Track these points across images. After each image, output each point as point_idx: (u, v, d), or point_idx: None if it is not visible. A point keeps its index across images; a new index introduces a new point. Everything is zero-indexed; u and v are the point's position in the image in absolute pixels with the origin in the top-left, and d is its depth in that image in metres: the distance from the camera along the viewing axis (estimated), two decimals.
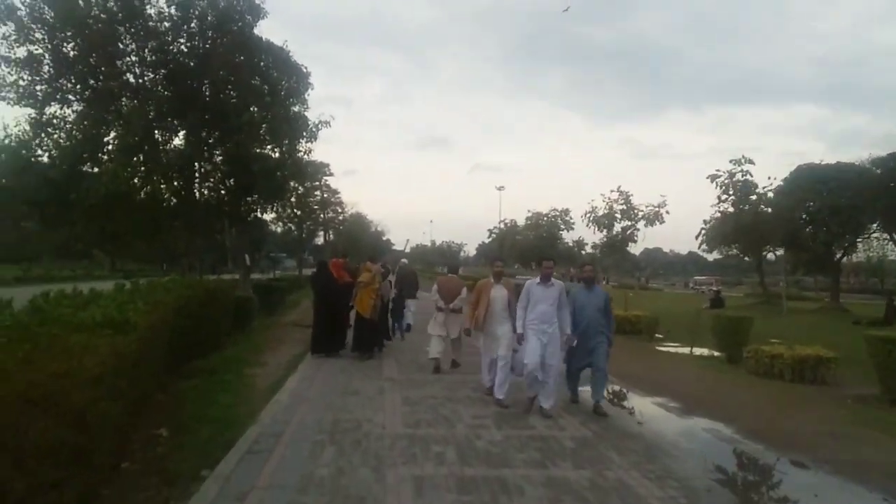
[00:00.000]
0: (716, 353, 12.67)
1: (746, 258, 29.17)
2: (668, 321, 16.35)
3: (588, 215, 17.94)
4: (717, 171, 15.06)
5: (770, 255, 28.35)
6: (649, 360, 11.92)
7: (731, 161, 15.08)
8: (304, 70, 18.12)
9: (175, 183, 16.93)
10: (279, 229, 51.35)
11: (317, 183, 45.33)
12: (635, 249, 31.98)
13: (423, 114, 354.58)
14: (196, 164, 17.31)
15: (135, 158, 15.33)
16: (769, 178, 18.24)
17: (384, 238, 79.07)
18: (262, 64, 17.35)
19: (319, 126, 18.67)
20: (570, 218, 25.65)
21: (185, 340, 9.13)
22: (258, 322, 16.32)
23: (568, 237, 27.53)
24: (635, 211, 17.30)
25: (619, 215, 17.57)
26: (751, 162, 14.91)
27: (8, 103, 14.60)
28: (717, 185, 15.39)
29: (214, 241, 29.83)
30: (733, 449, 5.97)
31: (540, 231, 26.17)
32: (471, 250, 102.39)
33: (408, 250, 32.35)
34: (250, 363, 9.62)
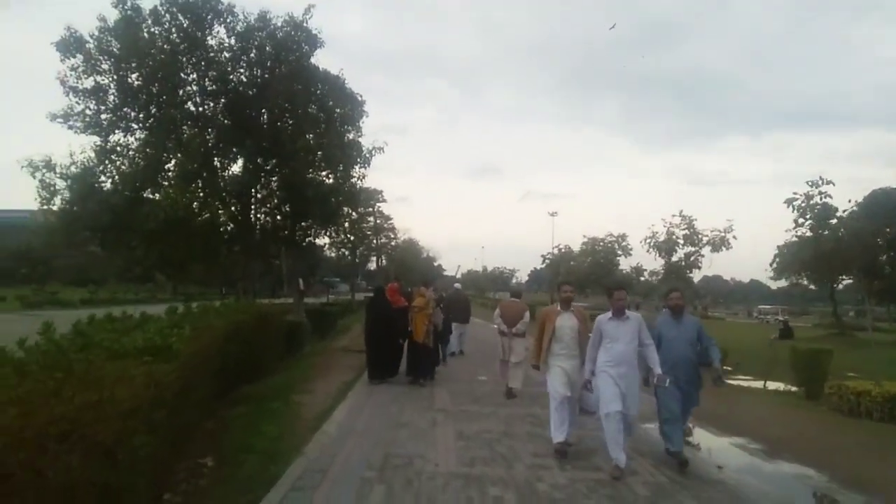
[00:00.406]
0: (792, 388, 11.71)
1: (812, 286, 27.41)
2: (736, 353, 15.32)
3: (648, 241, 17.21)
4: (795, 193, 13.99)
5: (838, 285, 26.66)
6: (721, 394, 11.07)
7: (807, 182, 13.98)
8: (359, 98, 18.25)
9: (232, 208, 17.18)
10: (333, 254, 52.13)
11: (370, 209, 45.89)
12: (696, 276, 30.94)
13: (476, 142, 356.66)
14: (253, 189, 17.56)
15: (193, 185, 15.60)
16: (849, 201, 16.78)
17: (436, 263, 79.33)
18: (318, 92, 17.55)
19: (373, 152, 18.71)
20: (628, 244, 24.82)
21: (234, 366, 8.98)
22: (310, 347, 16.23)
23: (625, 263, 26.65)
24: (699, 236, 16.44)
25: (681, 240, 16.74)
26: (830, 183, 13.76)
27: (75, 132, 15.13)
28: (793, 209, 14.26)
29: (271, 266, 30.41)
30: (832, 502, 5.25)
31: (596, 257, 25.38)
32: (522, 276, 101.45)
33: (459, 276, 32.22)
34: (299, 390, 9.37)
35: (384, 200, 46.52)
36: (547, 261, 32.41)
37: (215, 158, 16.82)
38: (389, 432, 6.64)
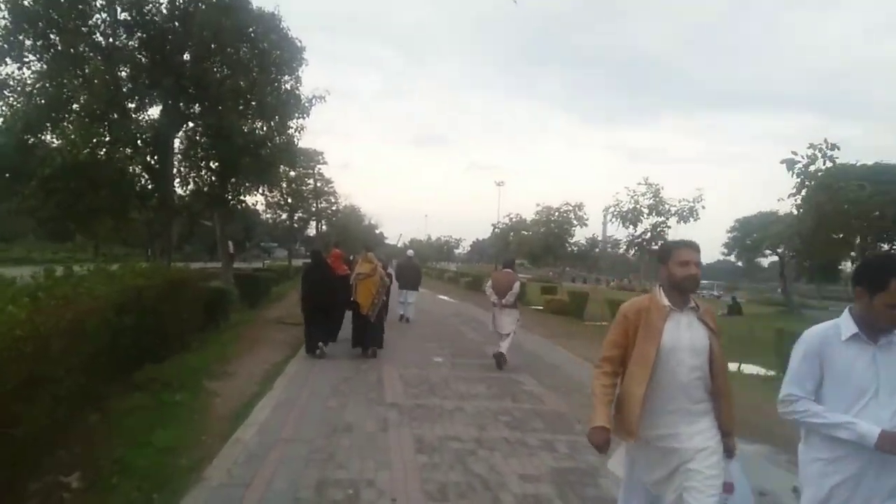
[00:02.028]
0: (771, 373, 10.77)
1: (740, 263, 26.95)
2: None
3: (610, 210, 16.03)
4: (794, 153, 12.79)
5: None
6: None
7: (809, 146, 12.85)
8: (299, 43, 16.08)
9: (148, 158, 14.84)
10: (269, 217, 49.26)
11: (310, 171, 43.31)
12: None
13: (421, 111, 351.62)
14: (172, 137, 15.23)
15: (99, 128, 13.19)
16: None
17: (378, 231, 77.13)
18: (250, 32, 15.22)
19: (313, 101, 16.66)
20: (585, 213, 23.72)
21: (132, 342, 7.16)
22: (238, 317, 14.32)
23: (580, 234, 25.57)
24: (666, 206, 15.39)
25: (646, 210, 15.65)
26: (835, 147, 12.62)
27: None
28: (793, 173, 13.17)
29: (199, 227, 27.72)
30: None
31: (551, 227, 24.18)
32: (466, 246, 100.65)
33: (401, 244, 30.86)
34: (216, 373, 7.65)
35: (325, 162, 44.00)
36: (497, 230, 31.08)
37: (127, 100, 14.40)
38: (327, 441, 5.02)
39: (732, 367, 11.31)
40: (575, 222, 23.93)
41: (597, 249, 27.94)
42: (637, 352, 2.69)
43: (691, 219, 15.22)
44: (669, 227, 15.44)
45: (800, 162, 12.67)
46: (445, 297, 25.70)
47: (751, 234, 28.20)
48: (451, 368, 8.68)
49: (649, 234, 15.64)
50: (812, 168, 12.92)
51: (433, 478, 4.27)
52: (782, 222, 19.41)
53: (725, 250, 31.81)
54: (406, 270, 15.00)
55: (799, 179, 12.94)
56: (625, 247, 16.50)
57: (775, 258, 29.01)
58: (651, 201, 15.63)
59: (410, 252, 17.35)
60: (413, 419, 5.84)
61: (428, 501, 3.86)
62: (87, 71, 13.25)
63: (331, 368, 8.23)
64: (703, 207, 15.05)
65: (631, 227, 15.88)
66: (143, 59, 14.40)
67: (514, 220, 29.86)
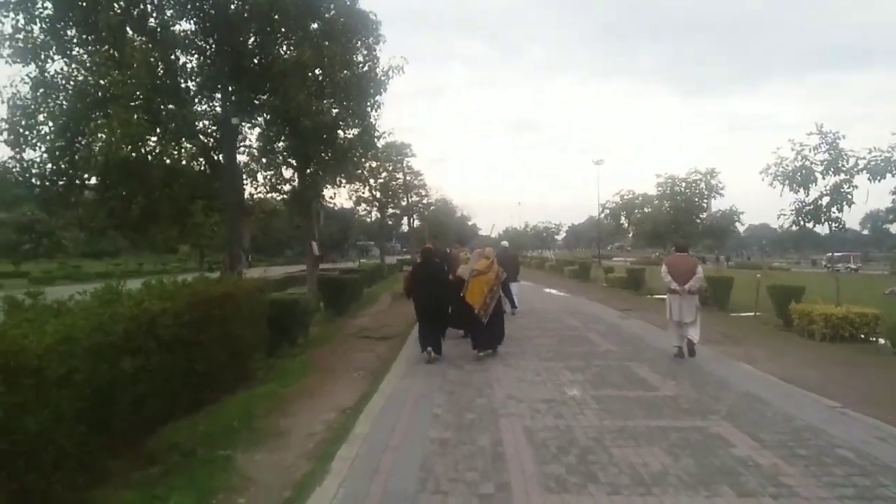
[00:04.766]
0: None
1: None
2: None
3: (771, 170, 12.39)
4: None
5: None
6: None
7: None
8: (373, 17, 13.74)
9: (213, 154, 12.99)
10: (362, 215, 48.12)
11: (398, 164, 41.58)
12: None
13: (511, 99, 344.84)
14: (237, 127, 13.27)
15: (145, 120, 11.35)
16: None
17: (470, 223, 74.74)
18: (321, 9, 12.98)
19: (390, 73, 14.26)
20: (719, 181, 19.76)
21: (142, 393, 5.01)
22: (318, 330, 12.18)
23: (715, 205, 21.48)
24: (849, 160, 11.59)
25: (819, 167, 11.92)
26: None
27: (5, 61, 11.06)
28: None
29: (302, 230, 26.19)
30: None
31: (677, 200, 20.44)
32: (562, 233, 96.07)
33: (495, 235, 28.40)
34: (261, 433, 5.32)
35: (413, 155, 42.10)
36: (606, 210, 27.49)
37: (181, 87, 12.58)
38: None
39: None
40: (707, 192, 20.09)
41: (738, 222, 23.67)
42: None
43: (889, 174, 11.34)
44: (856, 188, 11.62)
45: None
46: (553, 291, 22.62)
47: None
48: (598, 411, 5.80)
49: (826, 198, 11.91)
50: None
51: None
52: None
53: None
54: (503, 262, 12.58)
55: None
56: (791, 217, 12.72)
57: None
58: (827, 156, 11.86)
59: (505, 243, 16.40)
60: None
61: None
62: (127, 55, 11.48)
63: (424, 421, 5.61)
64: None
65: (801, 190, 12.17)
66: (198, 41, 12.55)
67: (625, 197, 26.14)
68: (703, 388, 6.77)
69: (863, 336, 10.51)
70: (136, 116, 10.71)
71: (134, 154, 11.40)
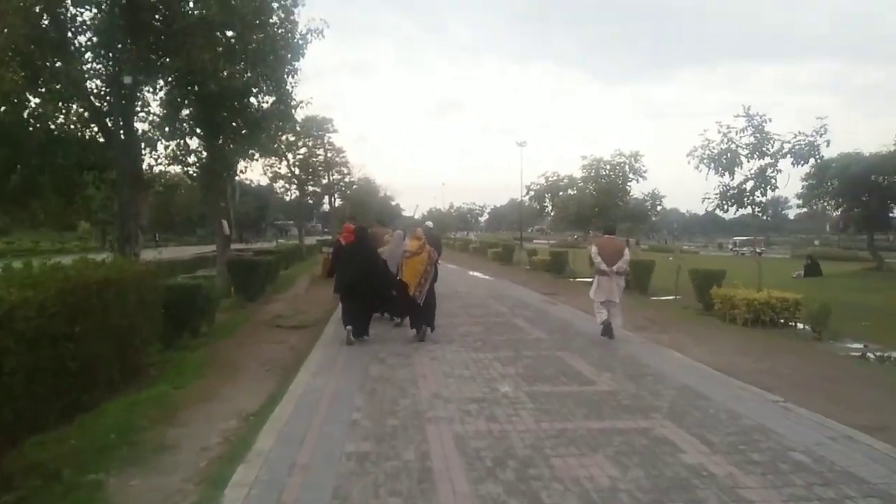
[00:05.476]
0: None
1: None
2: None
3: (698, 152, 12.34)
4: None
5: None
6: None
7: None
8: None
9: (107, 120, 11.48)
10: (280, 193, 46.11)
11: (319, 141, 39.91)
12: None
13: (435, 79, 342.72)
14: (134, 90, 11.78)
15: (21, 75, 9.79)
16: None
17: (394, 203, 73.62)
18: None
19: (308, 37, 13.17)
20: (643, 165, 19.83)
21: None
22: (226, 317, 11.13)
23: (637, 189, 21.54)
24: (771, 143, 11.68)
25: (744, 151, 11.96)
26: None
27: None
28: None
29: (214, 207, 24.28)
30: None
31: (601, 183, 20.39)
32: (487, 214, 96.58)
33: (418, 215, 27.71)
34: (145, 446, 4.46)
35: (335, 130, 40.46)
36: (531, 192, 27.31)
37: (72, 38, 11.03)
38: None
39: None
40: (631, 175, 20.17)
41: (659, 206, 24.04)
42: None
43: (812, 158, 11.51)
44: (780, 172, 11.73)
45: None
46: (478, 274, 22.27)
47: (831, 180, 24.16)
48: (534, 412, 5.26)
49: (751, 182, 11.98)
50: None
51: None
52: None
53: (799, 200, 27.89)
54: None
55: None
56: (715, 200, 12.76)
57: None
58: (752, 139, 11.91)
59: (429, 223, 15.42)
60: None
61: None
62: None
63: (339, 430, 4.89)
64: (828, 144, 11.29)
65: (726, 174, 12.20)
66: None
67: (550, 179, 26.00)
68: (639, 381, 6.40)
69: (782, 321, 10.66)
70: (10, 72, 9.15)
71: (9, 116, 9.86)
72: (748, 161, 12.03)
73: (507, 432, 4.69)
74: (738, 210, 12.62)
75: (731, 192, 12.41)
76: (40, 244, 38.05)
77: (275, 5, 12.60)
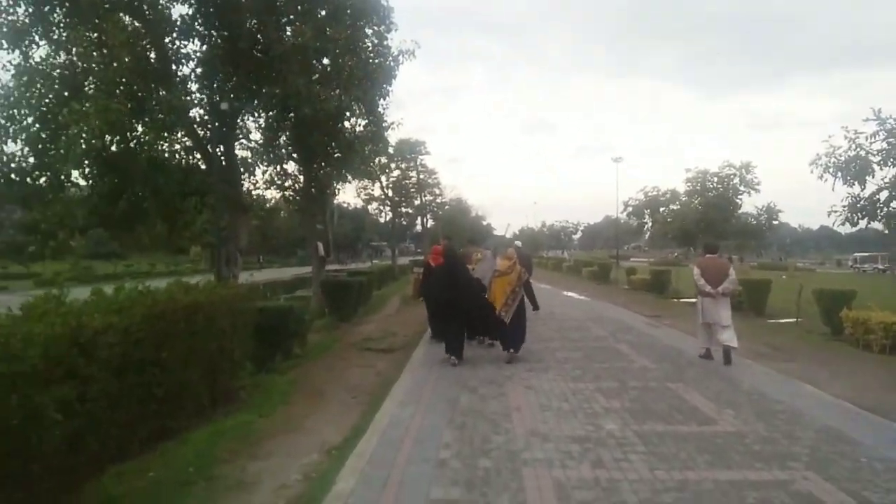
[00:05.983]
0: None
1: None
2: None
3: (822, 161, 11.08)
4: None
5: None
6: None
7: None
8: (384, 2, 12.67)
9: (208, 147, 11.93)
10: (375, 215, 47.18)
11: (412, 163, 40.48)
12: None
13: (527, 99, 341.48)
14: (236, 117, 12.19)
15: (129, 104, 10.31)
16: None
17: (485, 223, 73.48)
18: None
19: (401, 59, 13.17)
20: (754, 177, 18.26)
21: (91, 426, 4.05)
22: (318, 338, 11.11)
23: (749, 203, 19.77)
24: None
25: (876, 157, 10.60)
26: None
27: None
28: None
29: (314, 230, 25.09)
30: None
31: (708, 197, 18.99)
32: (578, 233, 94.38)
33: (509, 235, 27.32)
34: (220, 486, 4.21)
35: (427, 152, 40.89)
36: (629, 208, 26.06)
37: (176, 69, 11.57)
38: None
39: None
40: (742, 188, 18.65)
41: (775, 221, 22.04)
42: None
43: None
44: None
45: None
46: (573, 294, 21.36)
47: None
48: (646, 456, 4.60)
49: (885, 192, 10.58)
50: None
51: None
52: None
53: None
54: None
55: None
56: (844, 213, 11.38)
57: None
58: (884, 144, 10.55)
59: (518, 243, 15.64)
60: None
61: None
62: (105, 36, 10.47)
63: (425, 471, 4.46)
64: None
65: (855, 184, 10.85)
66: (197, 25, 11.50)
67: (649, 194, 24.68)
68: (770, 420, 5.53)
69: None
70: (116, 103, 9.64)
71: (116, 145, 10.42)
72: (881, 169, 10.65)
73: (617, 482, 4.06)
74: (869, 223, 11.15)
75: (862, 203, 11.00)
76: (156, 267, 40.86)
77: (368, 31, 12.71)
